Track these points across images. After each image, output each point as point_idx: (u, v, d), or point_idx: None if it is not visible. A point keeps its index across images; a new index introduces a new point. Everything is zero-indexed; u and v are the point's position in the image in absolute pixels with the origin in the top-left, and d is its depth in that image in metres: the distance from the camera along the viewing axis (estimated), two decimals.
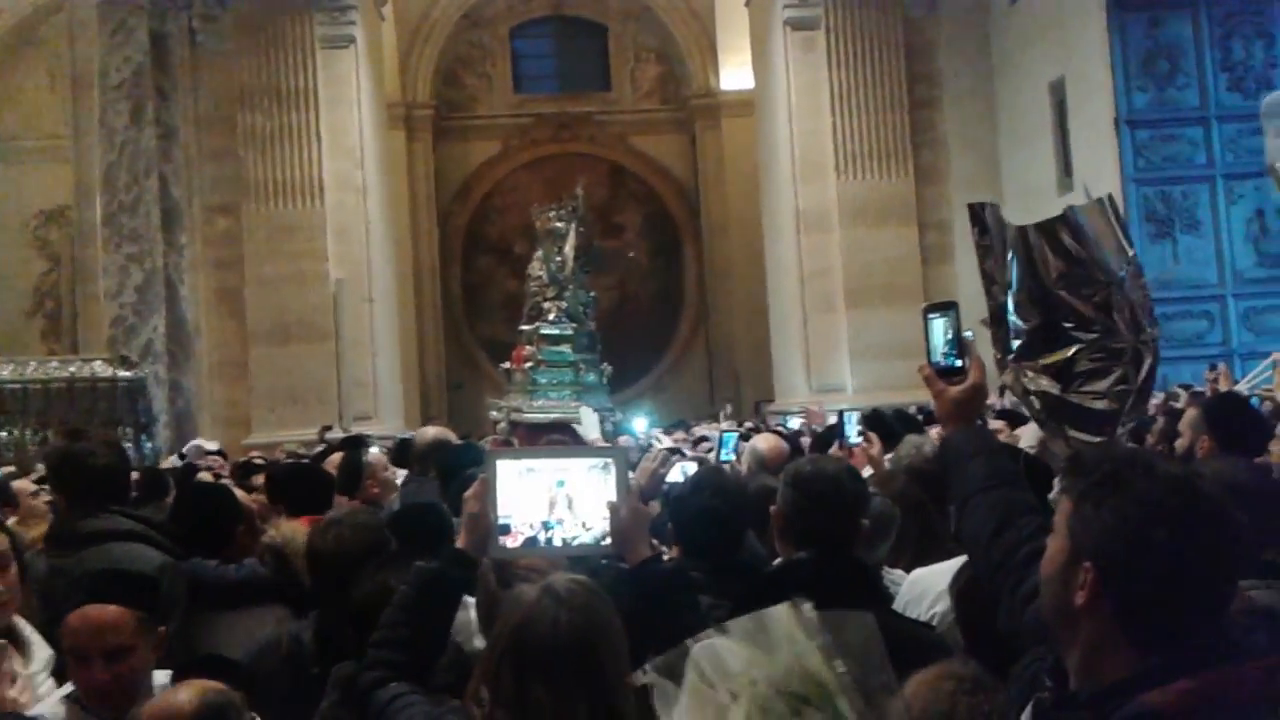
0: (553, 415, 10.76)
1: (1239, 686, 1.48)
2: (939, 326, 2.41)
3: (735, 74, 22.91)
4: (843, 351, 17.37)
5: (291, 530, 3.74)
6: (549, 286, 12.13)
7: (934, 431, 4.68)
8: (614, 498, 2.51)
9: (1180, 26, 14.54)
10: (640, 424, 14.52)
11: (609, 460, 2.58)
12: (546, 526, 2.53)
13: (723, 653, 1.34)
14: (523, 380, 12.07)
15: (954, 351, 2.37)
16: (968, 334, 2.41)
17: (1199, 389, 9.86)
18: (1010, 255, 2.67)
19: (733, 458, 6.61)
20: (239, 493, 4.12)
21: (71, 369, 9.59)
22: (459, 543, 2.54)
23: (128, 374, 9.64)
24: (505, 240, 23.80)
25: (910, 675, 1.88)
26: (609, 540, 2.52)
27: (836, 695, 1.30)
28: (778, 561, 3.07)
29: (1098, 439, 2.68)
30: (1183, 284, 13.81)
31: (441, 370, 23.70)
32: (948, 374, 2.35)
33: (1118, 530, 1.56)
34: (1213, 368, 10.94)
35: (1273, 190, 12.62)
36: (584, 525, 2.54)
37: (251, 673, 2.76)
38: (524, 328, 12.94)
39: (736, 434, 7.40)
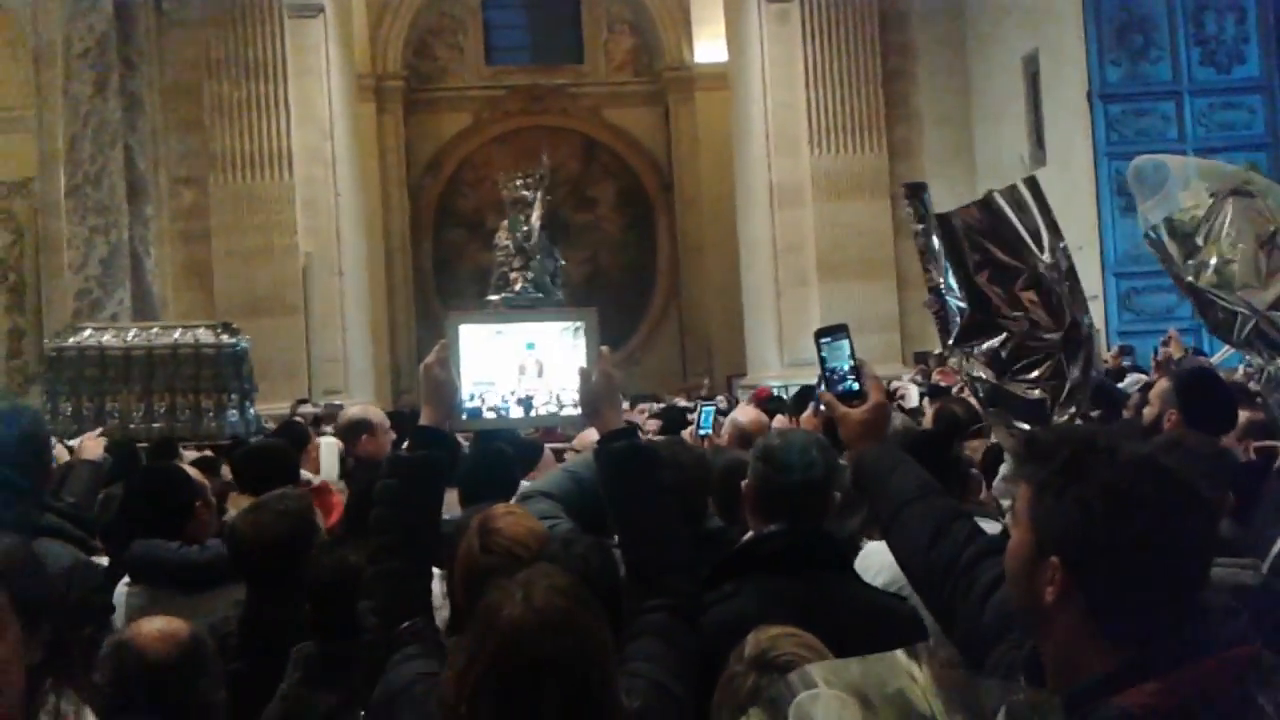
0: None
1: (1209, 683, 1.40)
2: (832, 351, 2.39)
3: (709, 47, 22.74)
4: (815, 325, 17.29)
5: None
6: (515, 256, 11.93)
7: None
8: (584, 363, 2.40)
9: (1153, 0, 14.54)
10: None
11: (580, 324, 2.46)
12: (526, 406, 2.43)
13: (828, 708, 1.23)
14: None
15: (851, 374, 2.35)
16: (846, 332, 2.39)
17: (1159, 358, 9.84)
18: (937, 242, 2.63)
19: (710, 431, 6.53)
20: (192, 471, 4.01)
21: (175, 335, 9.45)
22: (423, 419, 2.38)
23: (232, 340, 9.53)
24: (477, 213, 23.62)
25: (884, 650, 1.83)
26: (578, 409, 2.41)
27: None
28: (749, 535, 3.02)
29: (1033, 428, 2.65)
30: (1153, 258, 13.82)
31: (413, 344, 23.52)
32: (847, 398, 2.33)
33: (1083, 523, 1.45)
34: (1165, 342, 10.89)
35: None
36: (556, 397, 2.44)
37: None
38: (491, 298, 12.68)
39: (714, 407, 7.29)
